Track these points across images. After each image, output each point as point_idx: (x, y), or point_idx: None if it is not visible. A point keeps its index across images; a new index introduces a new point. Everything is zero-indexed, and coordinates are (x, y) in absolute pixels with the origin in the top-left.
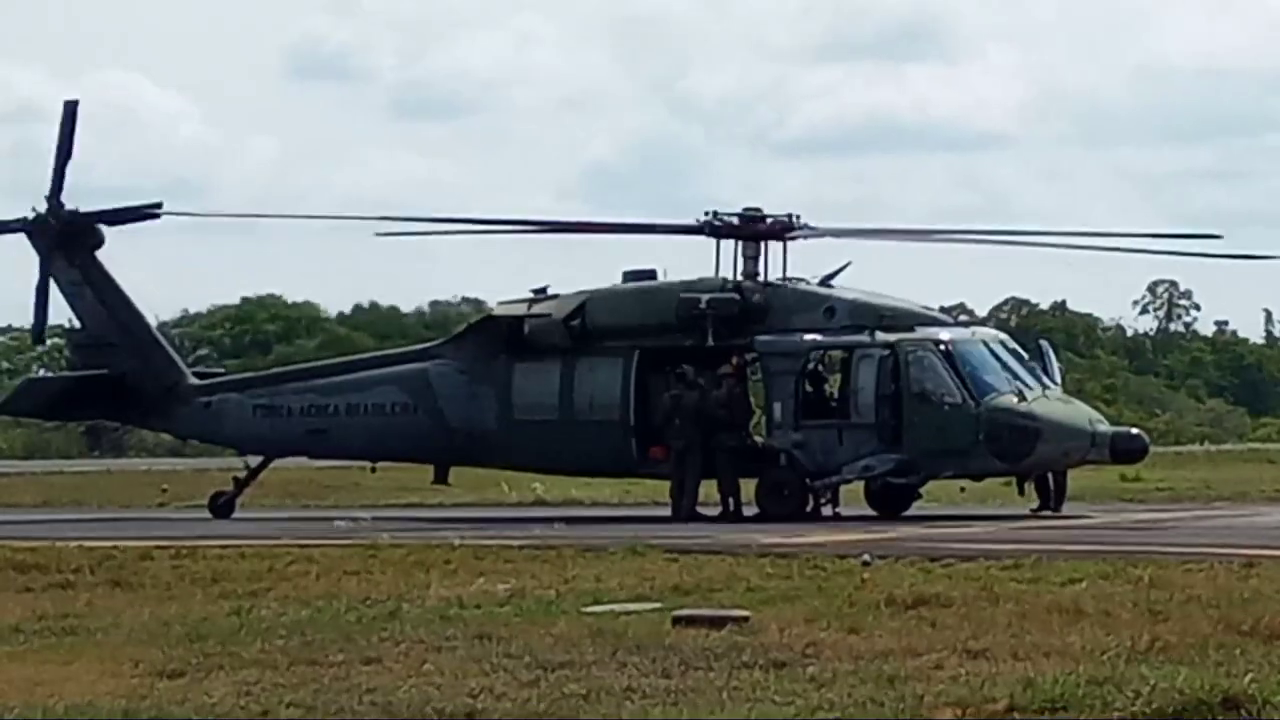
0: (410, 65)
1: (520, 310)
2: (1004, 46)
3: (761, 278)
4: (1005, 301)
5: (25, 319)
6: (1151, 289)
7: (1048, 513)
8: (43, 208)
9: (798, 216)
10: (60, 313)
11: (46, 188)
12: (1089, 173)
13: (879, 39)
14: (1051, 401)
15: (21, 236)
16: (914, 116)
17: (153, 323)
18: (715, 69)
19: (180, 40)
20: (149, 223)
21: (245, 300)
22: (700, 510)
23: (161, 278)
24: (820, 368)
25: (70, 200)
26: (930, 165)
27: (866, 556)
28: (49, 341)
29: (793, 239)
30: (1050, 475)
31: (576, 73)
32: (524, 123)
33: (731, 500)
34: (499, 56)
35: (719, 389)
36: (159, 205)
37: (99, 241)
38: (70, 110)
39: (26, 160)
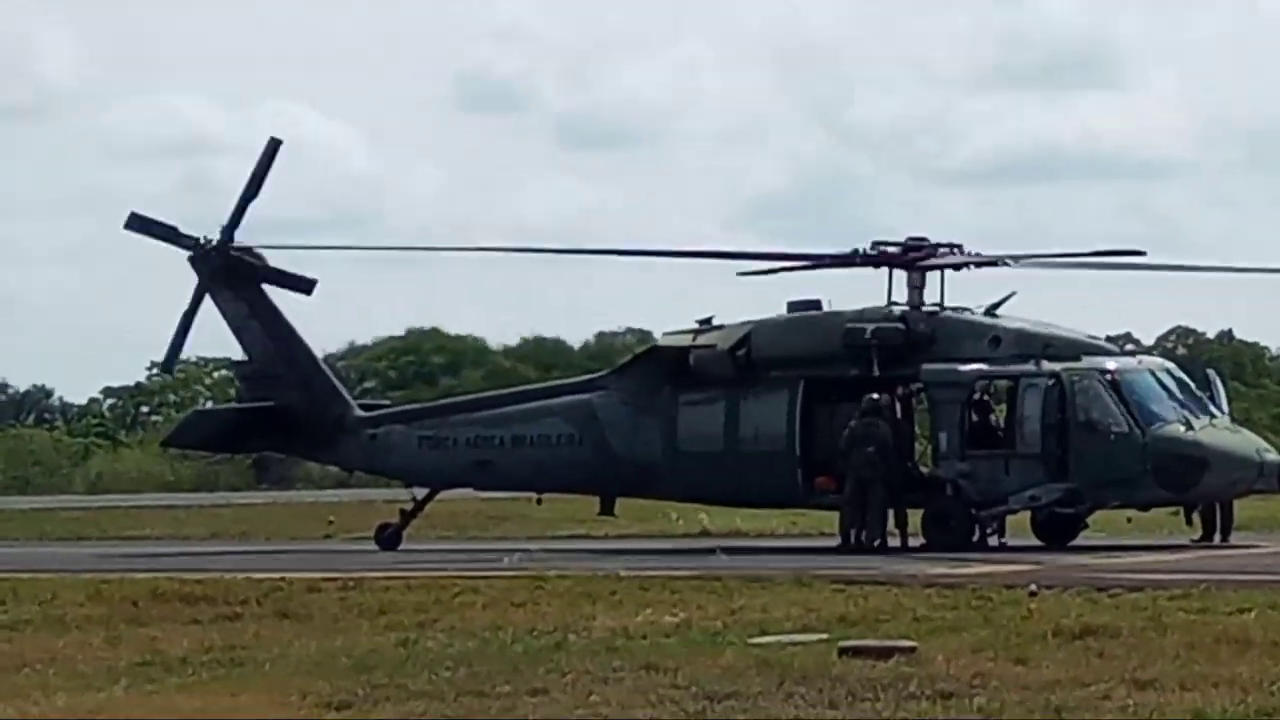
0: (576, 95)
1: (685, 341)
2: (1172, 72)
3: (926, 307)
4: (1172, 330)
5: (191, 351)
6: None
7: (1211, 543)
8: (213, 237)
9: (962, 246)
10: (226, 345)
11: (219, 218)
12: (1258, 199)
13: (1045, 66)
14: (1219, 431)
15: (187, 268)
16: (1080, 144)
17: (319, 355)
18: (880, 97)
19: (346, 71)
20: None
21: (410, 332)
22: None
23: (327, 310)
24: (986, 397)
25: (240, 232)
26: (1097, 193)
27: (1033, 587)
28: (217, 374)
29: (957, 268)
30: (1218, 505)
31: (741, 101)
32: (689, 151)
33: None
34: (664, 85)
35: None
36: (314, 282)
37: (262, 280)
38: (271, 149)
39: (196, 193)
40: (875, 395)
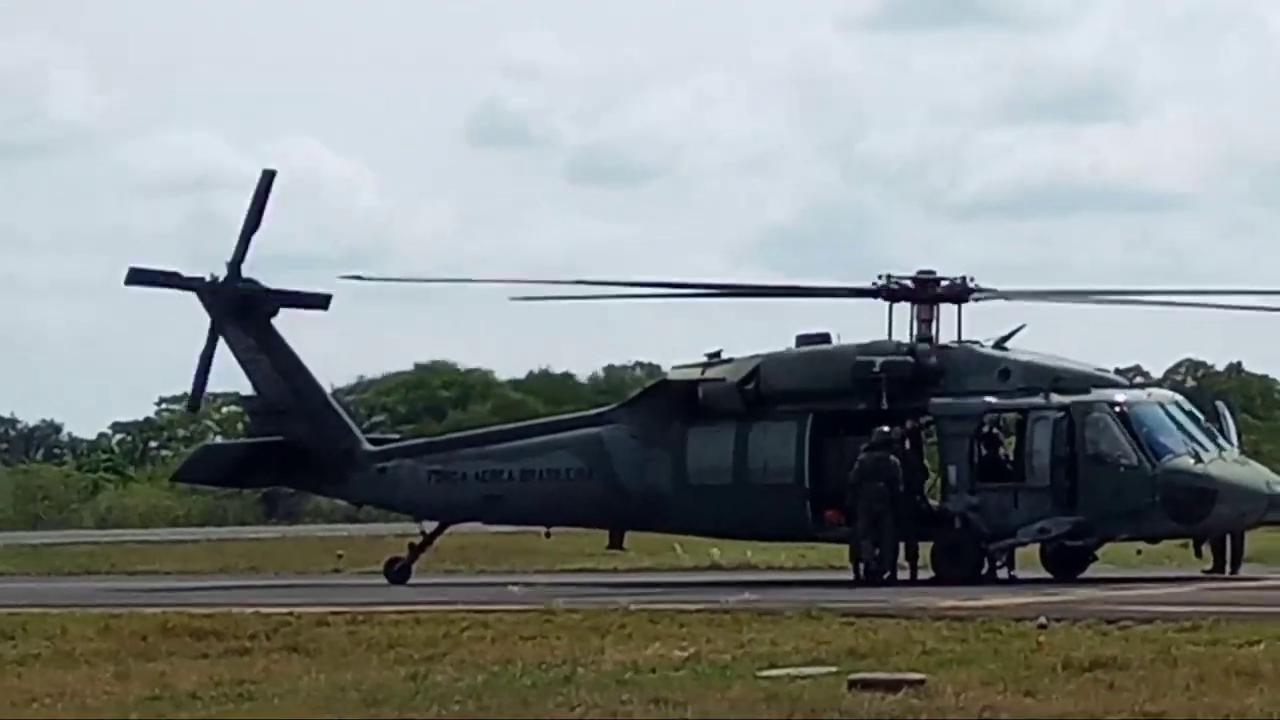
0: (587, 129)
1: (694, 375)
2: (1182, 105)
3: (936, 340)
4: (1181, 363)
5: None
6: None
7: (1221, 574)
8: (221, 274)
9: (971, 279)
10: (235, 380)
11: (228, 254)
12: (1268, 232)
13: (1056, 99)
14: (1228, 463)
15: (197, 303)
16: (1091, 177)
17: (328, 389)
18: (891, 130)
19: (357, 106)
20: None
21: (419, 366)
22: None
23: (336, 344)
24: (995, 430)
25: (248, 266)
26: (1107, 226)
27: (1042, 619)
28: (224, 410)
29: (967, 301)
30: (1228, 537)
31: (753, 135)
32: (699, 186)
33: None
34: (674, 119)
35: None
36: (329, 297)
37: (274, 309)
38: (266, 180)
39: (206, 228)
40: (885, 429)
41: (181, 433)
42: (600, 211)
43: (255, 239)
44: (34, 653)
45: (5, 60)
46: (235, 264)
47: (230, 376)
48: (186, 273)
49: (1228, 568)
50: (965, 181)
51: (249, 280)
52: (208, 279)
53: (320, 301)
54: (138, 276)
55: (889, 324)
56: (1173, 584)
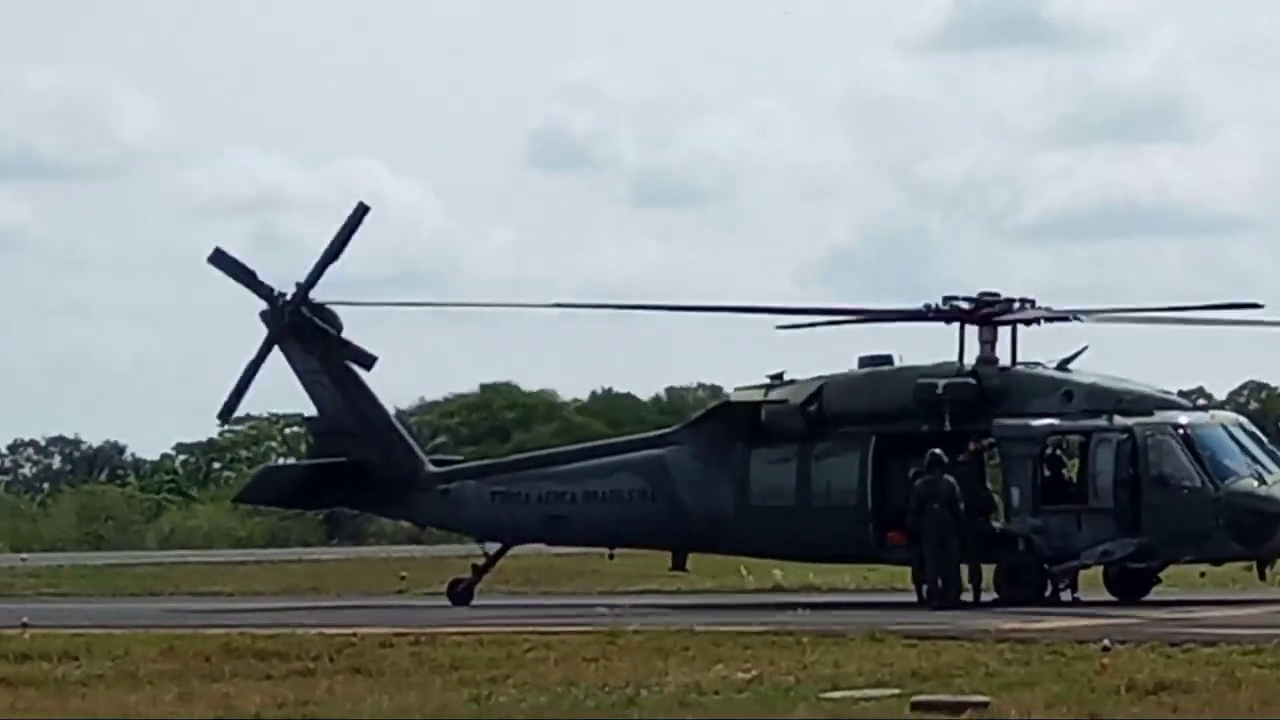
0: (649, 152)
1: (757, 396)
2: (1244, 125)
3: (998, 362)
4: (1244, 385)
5: (263, 406)
6: None
7: None
8: (290, 292)
9: (1034, 301)
10: (298, 401)
11: (291, 276)
12: None
13: (1117, 120)
14: None
15: (258, 323)
16: (1153, 198)
17: (391, 410)
18: (953, 152)
19: (420, 128)
20: (392, 310)
21: (483, 388)
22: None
23: (399, 365)
24: (1058, 452)
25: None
26: (1169, 247)
27: (1106, 642)
28: (288, 429)
29: (1029, 323)
30: None
31: (815, 157)
32: (762, 208)
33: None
34: (736, 142)
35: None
36: (374, 359)
37: (338, 329)
38: (359, 213)
39: (268, 251)
40: (937, 450)
41: (245, 454)
42: (663, 233)
43: (331, 267)
44: (98, 674)
45: (67, 84)
46: (306, 287)
47: (293, 397)
48: (244, 299)
49: None
50: (1026, 203)
51: (318, 306)
52: (276, 294)
53: (366, 361)
54: (221, 259)
55: (960, 346)
56: (1237, 607)
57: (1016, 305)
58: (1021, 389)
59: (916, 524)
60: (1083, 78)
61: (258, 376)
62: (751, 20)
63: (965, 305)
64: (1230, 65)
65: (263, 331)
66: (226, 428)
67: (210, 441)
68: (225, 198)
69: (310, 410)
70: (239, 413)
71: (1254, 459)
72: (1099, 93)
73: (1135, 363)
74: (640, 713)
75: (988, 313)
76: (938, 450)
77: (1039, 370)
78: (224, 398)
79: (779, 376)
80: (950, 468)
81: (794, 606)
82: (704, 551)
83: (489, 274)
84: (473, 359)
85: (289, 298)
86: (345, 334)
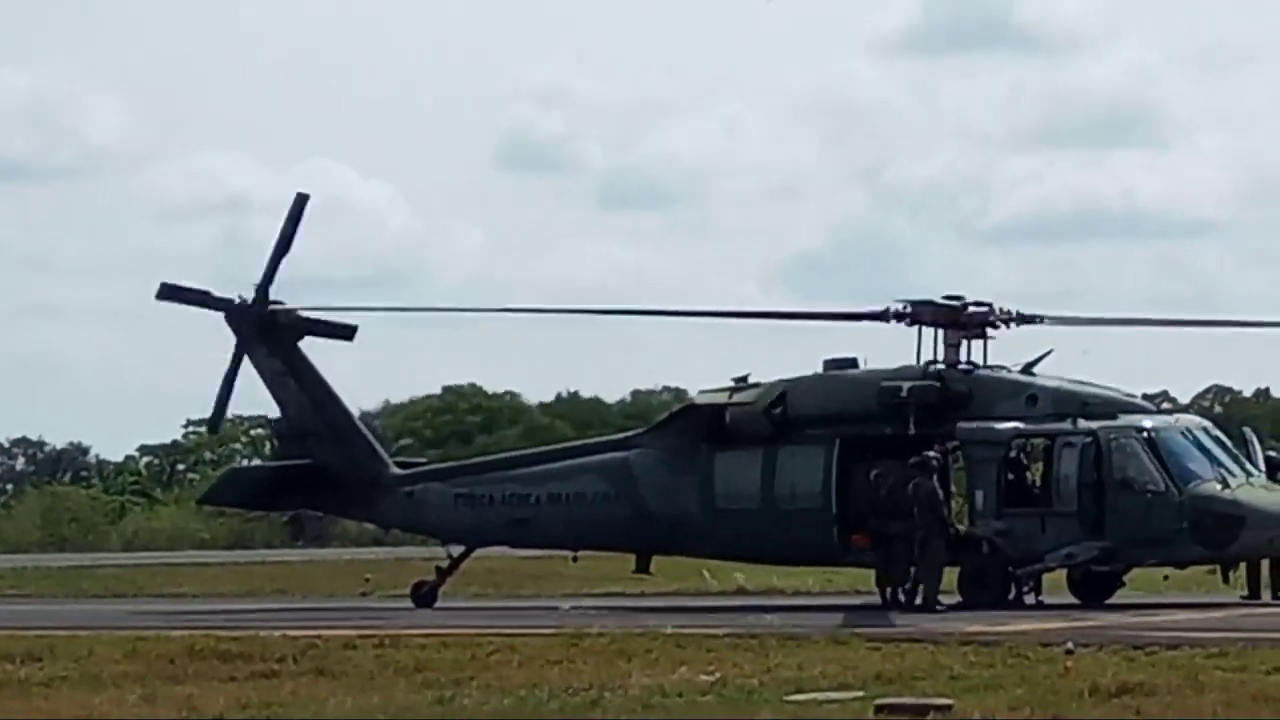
0: (615, 154)
1: (721, 399)
2: (1210, 131)
3: (963, 365)
4: (1208, 389)
5: (228, 409)
6: None
7: (1257, 600)
8: (250, 296)
9: (1000, 305)
10: (262, 404)
11: (257, 277)
12: None
13: (1085, 125)
14: (1256, 489)
15: (224, 326)
16: (1121, 203)
17: (355, 413)
18: (921, 156)
19: (387, 130)
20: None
21: (447, 390)
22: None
23: (363, 368)
24: (1022, 456)
25: (276, 289)
26: (1135, 252)
27: (1070, 645)
28: (253, 432)
29: (994, 327)
30: (1267, 563)
31: (782, 161)
32: (728, 211)
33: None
34: (703, 145)
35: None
36: (354, 328)
37: (301, 334)
38: (299, 204)
39: (234, 252)
40: (929, 453)
41: (209, 455)
42: (630, 236)
43: (284, 261)
44: (61, 675)
45: (34, 86)
46: (264, 286)
47: (258, 400)
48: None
49: (1268, 594)
50: (994, 207)
51: (277, 303)
52: (236, 300)
53: (346, 332)
54: (169, 292)
55: (917, 349)
56: (1200, 610)
57: (980, 308)
58: (986, 392)
59: (898, 526)
60: (1051, 83)
61: (233, 382)
62: (720, 23)
63: (929, 308)
64: (1197, 71)
65: (229, 336)
66: (191, 429)
67: (174, 444)
68: (192, 200)
69: (275, 413)
70: (202, 414)
71: (1218, 463)
72: (1067, 98)
73: (1100, 366)
74: (604, 714)
75: (952, 316)
76: (929, 453)
77: (1003, 374)
78: (189, 400)
79: (744, 379)
80: (935, 471)
81: (762, 610)
82: (668, 554)
83: (456, 275)
84: (437, 361)
85: (251, 301)
86: (307, 337)
